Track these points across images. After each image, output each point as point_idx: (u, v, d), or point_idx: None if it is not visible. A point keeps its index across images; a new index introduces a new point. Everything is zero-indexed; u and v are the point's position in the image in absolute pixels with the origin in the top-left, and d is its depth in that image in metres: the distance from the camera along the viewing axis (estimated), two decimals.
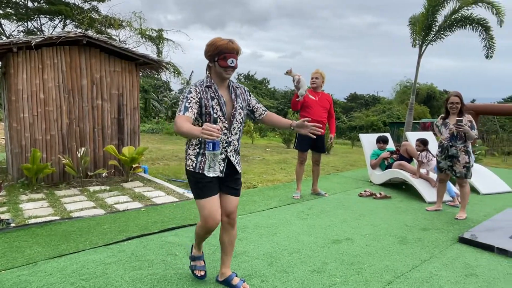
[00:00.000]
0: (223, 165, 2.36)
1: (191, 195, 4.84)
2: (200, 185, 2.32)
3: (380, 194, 5.48)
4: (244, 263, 3.01)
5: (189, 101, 2.20)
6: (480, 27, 11.50)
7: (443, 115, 4.62)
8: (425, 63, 78.72)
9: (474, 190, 5.85)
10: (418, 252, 3.38)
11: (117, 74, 6.36)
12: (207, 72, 2.38)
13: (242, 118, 2.42)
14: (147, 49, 22.19)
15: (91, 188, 5.58)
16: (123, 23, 18.02)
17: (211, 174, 2.06)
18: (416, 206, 5.00)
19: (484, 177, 6.33)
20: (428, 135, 6.78)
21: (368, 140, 6.89)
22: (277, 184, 6.36)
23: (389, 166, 6.17)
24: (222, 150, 2.32)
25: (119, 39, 19.16)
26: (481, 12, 14.34)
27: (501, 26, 11.10)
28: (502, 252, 3.37)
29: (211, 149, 1.91)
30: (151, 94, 25.98)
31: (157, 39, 18.87)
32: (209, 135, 1.83)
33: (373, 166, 6.51)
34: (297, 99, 5.03)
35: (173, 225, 3.88)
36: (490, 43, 11.54)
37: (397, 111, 34.37)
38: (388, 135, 7.04)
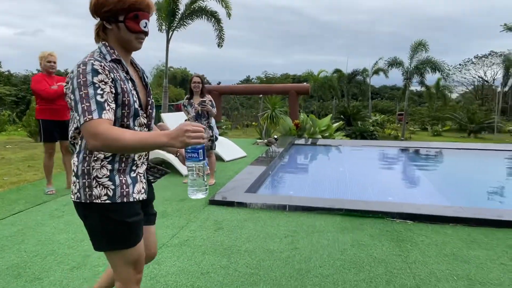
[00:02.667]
0: (145, 180, 1.60)
1: None
2: (125, 227, 1.46)
3: None
4: None
5: (100, 89, 1.33)
6: (213, 19, 13.27)
7: (188, 95, 5.16)
8: (178, 48, 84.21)
9: (220, 158, 6.93)
10: (177, 221, 3.75)
11: None
12: (100, 39, 1.51)
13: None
14: None
15: None
16: None
17: (200, 196, 1.48)
18: (174, 181, 5.45)
19: (227, 147, 7.57)
20: (181, 115, 7.42)
21: None
22: (24, 185, 5.46)
23: None
24: (144, 158, 1.59)
25: None
26: (214, 5, 16.39)
27: (229, 18, 13.18)
28: (240, 204, 4.20)
29: (201, 158, 1.37)
30: None
31: None
32: (199, 139, 1.30)
33: None
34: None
35: None
36: (221, 33, 13.53)
37: (156, 94, 35.55)
38: None
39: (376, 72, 28.77)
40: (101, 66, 1.35)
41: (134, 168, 1.51)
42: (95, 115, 1.28)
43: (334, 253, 3.02)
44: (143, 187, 1.53)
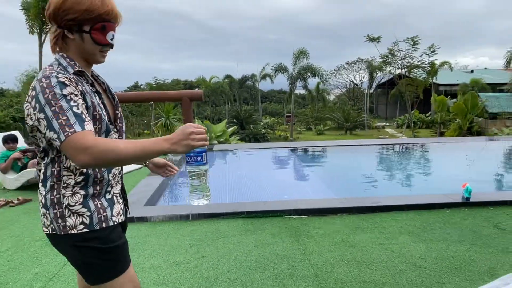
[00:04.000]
0: (121, 200, 1.45)
1: None
2: (111, 254, 1.32)
3: (18, 199, 4.93)
4: None
5: (73, 101, 1.17)
6: None
7: None
8: None
9: None
10: None
11: None
12: (57, 50, 1.32)
13: None
14: None
15: None
16: None
17: (203, 202, 1.36)
18: None
19: None
20: None
21: None
22: None
23: (24, 167, 5.64)
24: (118, 176, 1.45)
25: None
26: None
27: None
28: (141, 219, 4.01)
29: (205, 161, 1.30)
30: None
31: None
32: (203, 140, 1.20)
33: (4, 170, 5.70)
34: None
35: None
36: None
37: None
38: (17, 132, 6.34)
39: (264, 77, 30.45)
40: (66, 78, 1.20)
41: (109, 189, 1.37)
42: (77, 127, 1.12)
43: (240, 256, 3.12)
44: (121, 208, 1.41)
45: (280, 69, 24.78)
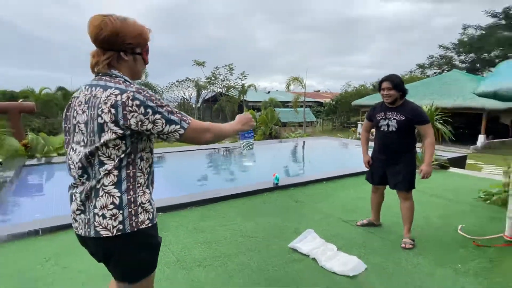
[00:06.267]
0: None
1: None
2: (157, 249, 1.37)
3: None
4: None
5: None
6: None
7: None
8: None
9: None
10: None
11: None
12: (110, 67, 1.28)
13: None
14: None
15: None
16: None
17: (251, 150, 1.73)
18: None
19: None
20: None
21: None
22: None
23: None
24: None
25: None
26: None
27: None
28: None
29: (253, 134, 1.72)
30: None
31: None
32: (254, 123, 1.57)
33: None
34: None
35: None
36: None
37: None
38: None
39: None
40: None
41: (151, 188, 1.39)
42: (190, 118, 1.28)
43: None
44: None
45: None
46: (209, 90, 20.48)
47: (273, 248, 3.06)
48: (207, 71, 34.87)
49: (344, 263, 2.71)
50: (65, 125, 1.33)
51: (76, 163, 1.25)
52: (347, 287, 2.44)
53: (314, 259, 2.83)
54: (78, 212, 1.26)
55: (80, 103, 1.26)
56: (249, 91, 26.61)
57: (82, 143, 1.24)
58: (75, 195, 1.28)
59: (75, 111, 1.27)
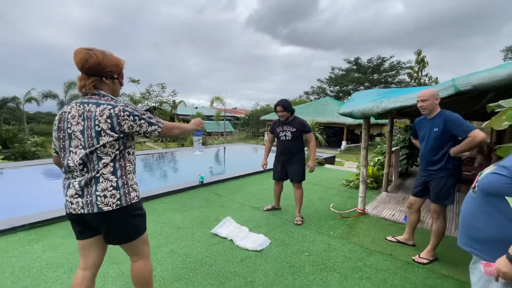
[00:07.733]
0: None
1: None
2: (144, 216, 1.49)
3: None
4: None
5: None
6: None
7: None
8: None
9: None
10: None
11: None
12: (96, 88, 1.38)
13: None
14: None
15: None
16: None
17: (200, 152, 1.94)
18: None
19: None
20: None
21: None
22: None
23: None
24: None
25: None
26: None
27: None
28: None
29: (201, 133, 1.93)
30: None
31: None
32: (203, 125, 1.70)
33: None
34: None
35: None
36: None
37: None
38: None
39: (29, 100, 22.35)
40: None
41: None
42: (162, 120, 1.45)
43: (26, 266, 2.29)
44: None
45: (50, 95, 19.05)
46: (144, 104, 18.76)
47: (197, 235, 2.93)
48: (142, 88, 32.00)
49: (254, 241, 2.75)
50: (59, 134, 1.34)
51: (77, 160, 1.30)
52: (256, 259, 2.49)
53: (231, 240, 2.80)
54: (76, 196, 1.30)
55: (73, 116, 1.31)
56: (180, 106, 25.36)
57: (80, 146, 1.30)
58: (73, 184, 1.31)
59: (69, 123, 1.31)
